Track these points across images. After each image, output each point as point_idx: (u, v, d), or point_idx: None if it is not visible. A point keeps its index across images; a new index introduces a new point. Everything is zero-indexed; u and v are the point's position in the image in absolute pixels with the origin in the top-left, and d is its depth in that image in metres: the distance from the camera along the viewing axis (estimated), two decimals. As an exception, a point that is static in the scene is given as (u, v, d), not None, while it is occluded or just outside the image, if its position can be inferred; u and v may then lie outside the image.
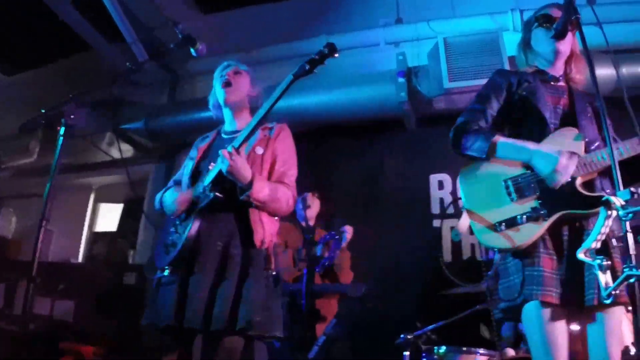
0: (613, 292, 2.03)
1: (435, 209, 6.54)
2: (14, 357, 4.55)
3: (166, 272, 3.04)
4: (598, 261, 2.08)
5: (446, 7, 6.86)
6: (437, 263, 5.84)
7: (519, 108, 2.85)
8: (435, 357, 4.34)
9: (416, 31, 6.83)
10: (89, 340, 6.09)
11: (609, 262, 2.10)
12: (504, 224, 2.62)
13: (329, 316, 5.15)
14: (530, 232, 2.55)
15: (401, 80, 6.17)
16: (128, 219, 8.59)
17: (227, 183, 2.97)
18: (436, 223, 6.49)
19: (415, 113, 6.49)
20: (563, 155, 2.54)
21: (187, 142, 3.54)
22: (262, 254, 3.02)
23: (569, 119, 2.77)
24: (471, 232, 2.78)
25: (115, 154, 8.04)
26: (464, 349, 4.29)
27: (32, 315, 6.26)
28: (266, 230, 3.07)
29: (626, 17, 6.09)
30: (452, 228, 6.30)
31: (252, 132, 3.06)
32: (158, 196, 3.39)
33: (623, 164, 2.33)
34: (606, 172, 2.60)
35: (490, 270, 4.16)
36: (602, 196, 2.21)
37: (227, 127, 3.44)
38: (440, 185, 6.57)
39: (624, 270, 1.94)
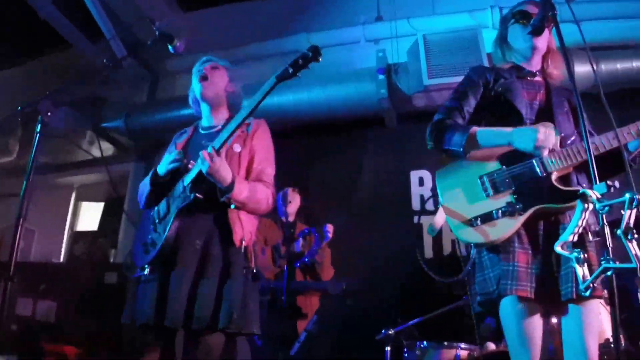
0: (591, 285, 2.04)
1: (416, 205, 6.58)
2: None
3: (146, 271, 3.03)
4: (575, 254, 2.09)
5: (426, 4, 6.91)
6: (418, 258, 5.88)
7: (495, 104, 2.86)
8: (417, 352, 4.37)
9: (396, 29, 6.84)
10: (71, 341, 6.06)
11: (586, 255, 2.12)
12: (479, 219, 2.64)
13: (310, 313, 5.16)
14: (506, 227, 2.57)
15: (381, 77, 6.19)
16: (109, 218, 8.53)
17: (206, 183, 2.95)
18: (416, 219, 6.53)
19: (395, 110, 6.52)
20: (539, 128, 2.56)
21: (167, 140, 3.52)
22: (241, 253, 3.02)
23: (545, 114, 2.78)
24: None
25: (96, 152, 8.02)
26: (445, 343, 4.32)
27: (13, 316, 6.23)
28: (245, 228, 3.07)
29: (604, 14, 6.15)
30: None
31: (232, 133, 3.03)
32: (143, 182, 3.32)
33: (599, 159, 2.35)
34: (582, 167, 2.61)
35: (468, 265, 4.19)
36: (578, 190, 2.24)
37: (205, 122, 3.43)
38: (421, 181, 6.60)
39: (601, 263, 1.96)
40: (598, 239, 2.47)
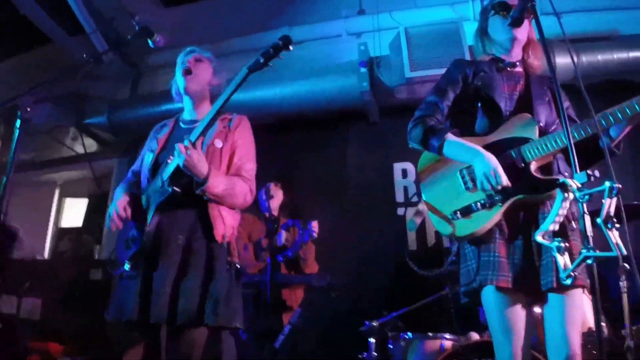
0: (572, 274, 2.06)
1: (400, 197, 6.62)
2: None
3: (127, 267, 3.02)
4: (556, 243, 2.11)
5: (408, -3, 6.92)
6: (402, 250, 5.91)
7: (475, 98, 2.88)
8: (402, 343, 4.39)
9: (378, 22, 6.85)
10: (57, 338, 6.04)
11: (567, 244, 2.13)
12: (459, 212, 2.68)
13: (295, 306, 5.16)
14: (485, 219, 2.60)
15: (363, 70, 6.19)
16: (93, 214, 8.49)
17: (185, 177, 2.95)
18: (400, 211, 6.56)
19: (377, 103, 6.53)
20: (498, 166, 2.58)
21: (150, 135, 3.51)
22: (223, 248, 3.02)
23: (524, 105, 2.80)
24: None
25: (79, 148, 7.98)
26: (430, 334, 4.35)
27: (-3, 314, 6.20)
28: (227, 224, 3.06)
29: (585, 6, 6.20)
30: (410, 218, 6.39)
31: (208, 126, 3.03)
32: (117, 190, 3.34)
33: (582, 147, 2.37)
34: (566, 155, 2.62)
35: (451, 257, 4.22)
36: (556, 179, 2.26)
37: (186, 115, 3.40)
38: (404, 173, 6.63)
39: (582, 251, 1.98)
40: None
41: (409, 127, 2.93)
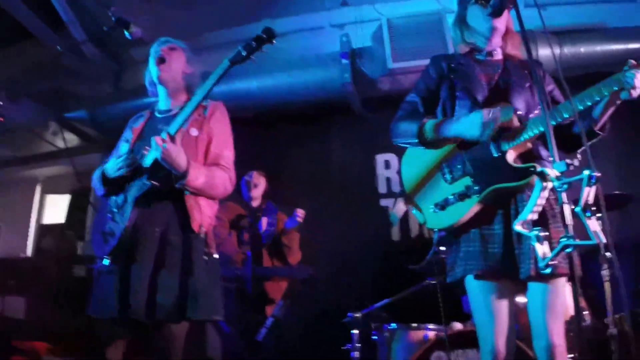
0: (551, 263, 2.06)
1: (382, 188, 6.67)
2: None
3: (106, 262, 2.98)
4: (535, 232, 2.11)
5: (392, -11, 6.89)
6: (385, 241, 5.93)
7: (452, 91, 2.88)
8: (386, 334, 4.40)
9: (361, 13, 6.83)
10: (43, 336, 5.99)
11: (547, 233, 2.13)
12: (438, 205, 2.72)
13: (278, 298, 5.15)
14: (463, 210, 2.63)
15: (345, 61, 6.18)
16: (76, 210, 8.45)
17: (163, 170, 2.90)
18: (383, 202, 6.60)
19: (360, 94, 6.51)
20: (483, 110, 2.59)
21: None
22: (200, 239, 2.99)
23: (502, 93, 2.78)
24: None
25: (60, 144, 7.91)
26: (414, 325, 4.36)
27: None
28: (204, 214, 3.03)
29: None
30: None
31: (187, 118, 2.99)
32: (95, 175, 3.23)
33: (559, 136, 2.37)
34: (545, 141, 2.61)
35: (434, 247, 4.23)
36: (532, 167, 2.27)
37: (161, 105, 3.36)
38: (387, 164, 6.66)
39: (561, 240, 1.98)
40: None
41: (391, 127, 2.97)
